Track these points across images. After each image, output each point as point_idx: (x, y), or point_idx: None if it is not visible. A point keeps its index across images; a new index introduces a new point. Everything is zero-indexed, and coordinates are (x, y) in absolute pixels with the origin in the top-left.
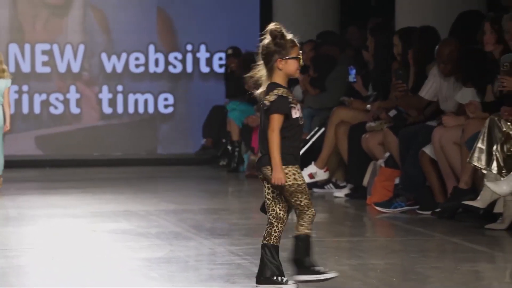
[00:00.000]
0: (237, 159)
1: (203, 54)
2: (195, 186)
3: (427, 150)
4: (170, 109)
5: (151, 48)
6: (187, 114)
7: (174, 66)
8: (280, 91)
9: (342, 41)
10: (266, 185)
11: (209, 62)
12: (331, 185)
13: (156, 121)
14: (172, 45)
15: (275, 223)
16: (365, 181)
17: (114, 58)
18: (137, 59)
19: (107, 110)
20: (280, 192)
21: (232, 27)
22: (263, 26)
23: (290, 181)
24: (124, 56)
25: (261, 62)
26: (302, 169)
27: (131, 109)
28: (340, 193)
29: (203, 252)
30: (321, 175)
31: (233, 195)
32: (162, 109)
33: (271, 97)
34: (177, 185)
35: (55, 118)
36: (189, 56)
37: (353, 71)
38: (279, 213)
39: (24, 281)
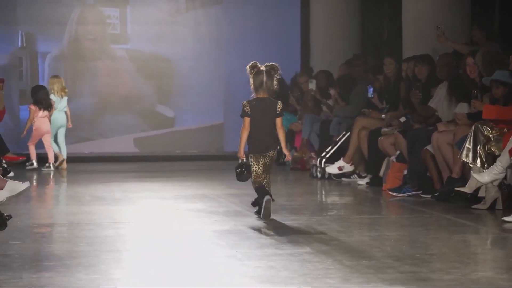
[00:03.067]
0: (284, 156)
1: None
2: None
3: (428, 148)
4: (234, 116)
5: None
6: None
7: None
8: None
9: (363, 65)
10: (263, 161)
11: None
12: (355, 175)
13: (224, 127)
14: None
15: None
16: (381, 173)
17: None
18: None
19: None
20: (271, 162)
21: (277, 53)
22: (302, 53)
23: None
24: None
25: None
26: (333, 163)
27: (206, 117)
28: (362, 182)
29: (259, 226)
30: (348, 168)
31: (281, 183)
32: (227, 117)
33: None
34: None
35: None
36: None
37: (371, 89)
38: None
39: (126, 246)
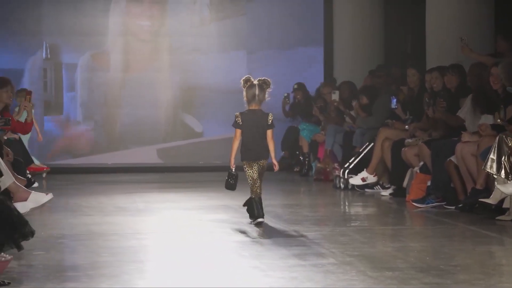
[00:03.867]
0: (307, 166)
1: None
2: (275, 186)
3: (452, 159)
4: None
5: None
6: None
7: None
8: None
9: (387, 76)
10: (256, 167)
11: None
12: (378, 186)
13: None
14: None
15: (256, 184)
16: (404, 183)
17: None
18: None
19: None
20: (263, 171)
21: (300, 64)
22: (326, 64)
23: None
24: None
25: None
26: (356, 174)
27: (229, 128)
28: (386, 193)
29: (282, 236)
30: (371, 179)
31: (304, 193)
32: None
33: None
34: (262, 186)
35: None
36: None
37: (394, 100)
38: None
39: (149, 257)
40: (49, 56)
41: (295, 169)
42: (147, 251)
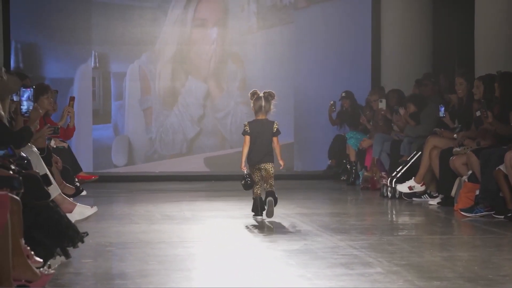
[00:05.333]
0: (354, 175)
1: None
2: (322, 195)
3: (501, 168)
4: (304, 136)
5: None
6: (316, 141)
7: None
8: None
9: (434, 84)
10: (260, 171)
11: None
12: (426, 195)
13: (294, 146)
14: None
15: (256, 185)
16: (452, 192)
17: None
18: None
19: None
20: (267, 173)
21: (348, 72)
22: (373, 72)
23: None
24: None
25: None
26: (403, 183)
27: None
28: (433, 202)
29: (329, 245)
30: (418, 188)
31: (351, 202)
32: (297, 137)
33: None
34: (309, 195)
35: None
36: None
37: (442, 108)
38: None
39: (195, 265)
40: (97, 65)
41: (342, 178)
42: (194, 260)
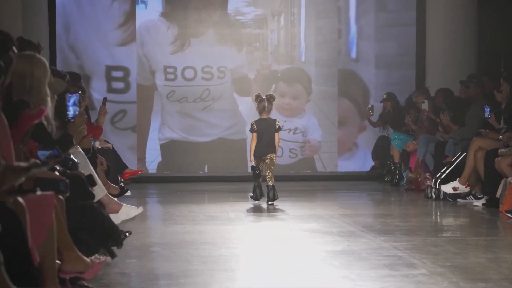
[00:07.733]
0: (398, 176)
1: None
2: (366, 196)
3: None
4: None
5: None
6: (361, 142)
7: None
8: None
9: (479, 85)
10: (263, 162)
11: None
12: (471, 196)
13: (337, 147)
14: None
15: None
16: (498, 194)
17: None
18: None
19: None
20: (271, 162)
21: (392, 73)
22: (418, 73)
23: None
24: None
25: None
26: (446, 183)
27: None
28: (478, 203)
29: (372, 246)
30: (463, 189)
31: (395, 203)
32: (341, 138)
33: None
34: (353, 196)
35: None
36: None
37: (488, 109)
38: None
39: (239, 266)
40: None
41: (386, 179)
42: (238, 260)
